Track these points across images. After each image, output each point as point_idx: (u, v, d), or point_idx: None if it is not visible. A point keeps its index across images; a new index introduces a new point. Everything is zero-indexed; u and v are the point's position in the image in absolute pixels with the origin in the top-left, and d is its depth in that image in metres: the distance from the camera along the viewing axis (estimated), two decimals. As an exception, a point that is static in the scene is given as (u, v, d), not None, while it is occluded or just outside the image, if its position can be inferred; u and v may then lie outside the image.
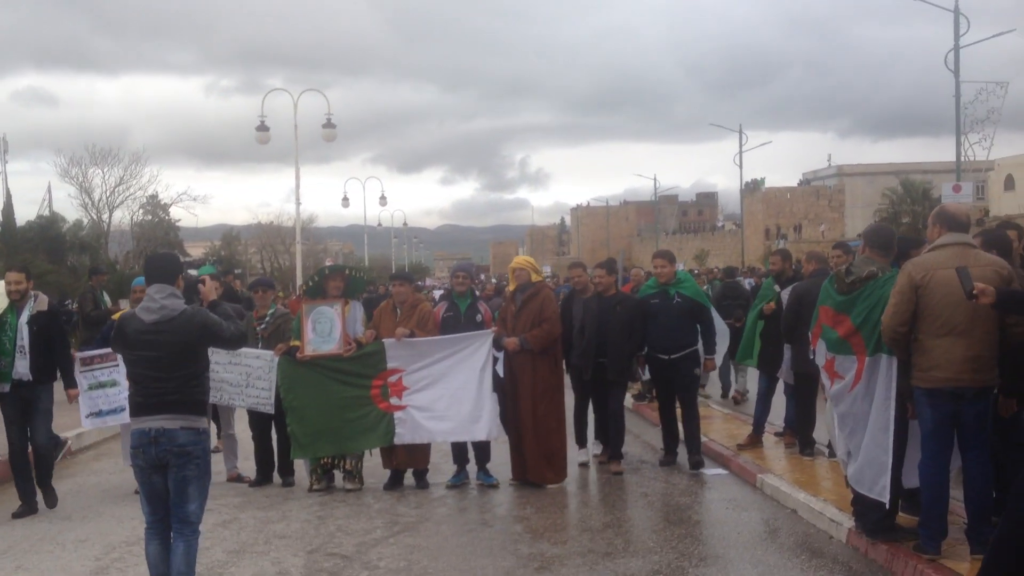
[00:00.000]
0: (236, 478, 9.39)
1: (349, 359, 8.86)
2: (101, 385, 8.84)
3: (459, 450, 9.19)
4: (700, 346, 9.68)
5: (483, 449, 9.15)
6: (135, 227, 64.06)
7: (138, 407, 5.26)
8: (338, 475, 9.06)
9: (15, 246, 52.89)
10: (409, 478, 9.12)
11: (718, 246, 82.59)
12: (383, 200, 56.12)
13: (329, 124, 29.82)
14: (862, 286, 6.30)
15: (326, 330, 8.88)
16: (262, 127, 28.61)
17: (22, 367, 7.95)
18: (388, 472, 9.12)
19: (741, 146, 55.09)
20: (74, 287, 29.05)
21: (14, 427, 8.12)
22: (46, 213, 61.07)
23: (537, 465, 8.91)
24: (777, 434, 10.35)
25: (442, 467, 9.42)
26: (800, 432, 9.61)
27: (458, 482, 9.08)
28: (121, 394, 8.54)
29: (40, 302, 8.14)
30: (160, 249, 64.27)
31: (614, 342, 9.23)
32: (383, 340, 8.91)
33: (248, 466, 9.46)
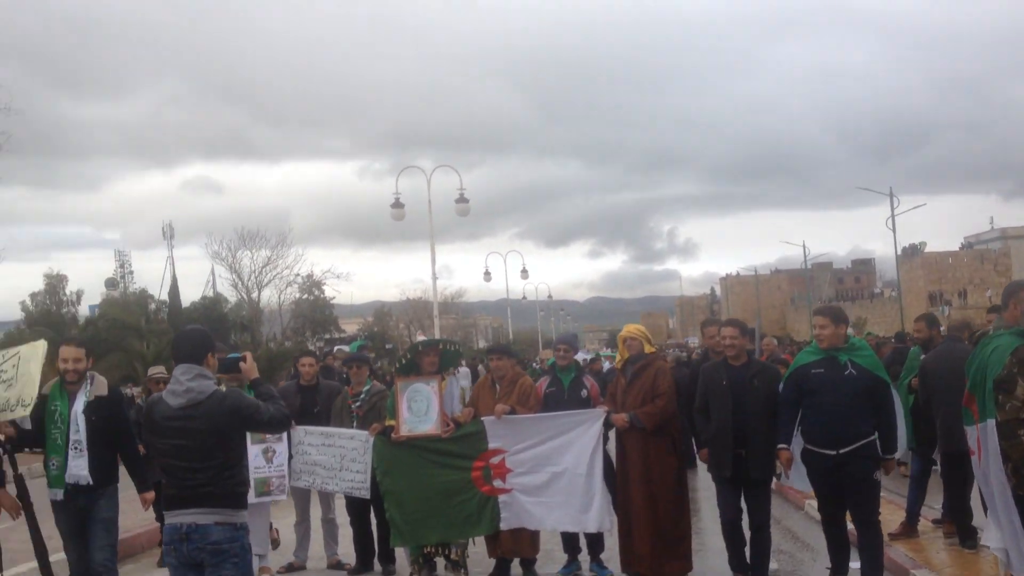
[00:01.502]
0: (336, 564, 8.95)
1: (448, 440, 8.32)
2: None
3: (570, 538, 8.47)
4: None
5: (596, 538, 8.41)
6: (292, 305, 66.56)
7: (170, 500, 4.83)
8: (440, 563, 8.47)
9: (180, 326, 55.52)
10: (517, 567, 8.43)
11: (877, 314, 79.03)
12: (524, 273, 56.38)
13: (462, 199, 30.30)
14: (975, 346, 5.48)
15: (422, 409, 8.38)
16: (397, 204, 29.20)
17: (78, 468, 6.42)
18: (493, 561, 8.46)
19: (893, 209, 52.46)
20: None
21: (72, 545, 6.54)
22: (210, 294, 64.29)
23: (653, 557, 8.03)
24: (935, 521, 9.15)
25: (555, 554, 8.69)
26: (956, 520, 8.43)
27: (569, 573, 8.35)
28: None
29: (98, 385, 6.67)
30: (312, 325, 66.50)
31: (755, 427, 7.41)
32: (482, 419, 8.35)
33: (350, 552, 8.98)
